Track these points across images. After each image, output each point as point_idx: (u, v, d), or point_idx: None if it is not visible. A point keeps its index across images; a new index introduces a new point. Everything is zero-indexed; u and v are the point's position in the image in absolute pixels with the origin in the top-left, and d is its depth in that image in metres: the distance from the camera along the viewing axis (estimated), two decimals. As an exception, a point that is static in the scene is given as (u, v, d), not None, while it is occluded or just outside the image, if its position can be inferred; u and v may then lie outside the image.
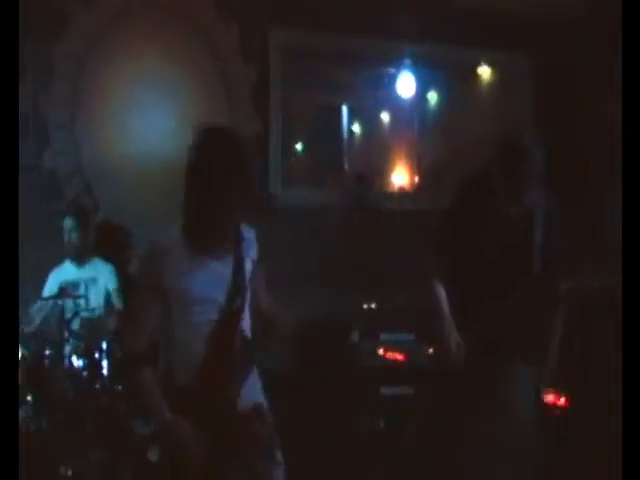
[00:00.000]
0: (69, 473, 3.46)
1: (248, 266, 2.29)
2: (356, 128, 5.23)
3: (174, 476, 2.21)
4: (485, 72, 5.22)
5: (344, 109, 5.06)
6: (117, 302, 4.20)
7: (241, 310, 2.25)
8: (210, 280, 2.21)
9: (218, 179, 2.13)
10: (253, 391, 2.29)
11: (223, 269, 2.23)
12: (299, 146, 5.08)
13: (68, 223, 4.15)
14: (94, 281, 4.20)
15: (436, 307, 2.96)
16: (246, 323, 2.29)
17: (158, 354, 2.27)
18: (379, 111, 5.16)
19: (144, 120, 4.55)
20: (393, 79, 5.00)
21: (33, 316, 4.09)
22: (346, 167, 5.18)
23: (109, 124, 4.55)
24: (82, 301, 4.06)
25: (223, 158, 2.13)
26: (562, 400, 3.42)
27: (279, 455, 2.29)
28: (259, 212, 4.46)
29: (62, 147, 4.50)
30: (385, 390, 4.17)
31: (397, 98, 5.03)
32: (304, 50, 4.69)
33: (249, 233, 2.33)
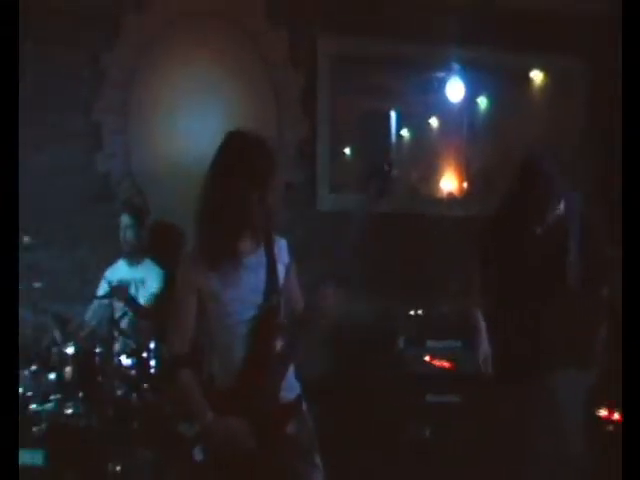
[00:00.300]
0: (117, 469, 3.55)
1: (281, 270, 2.33)
2: (404, 133, 5.23)
3: (219, 476, 2.26)
4: (535, 76, 5.16)
5: (392, 114, 5.06)
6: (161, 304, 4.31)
7: (277, 308, 2.29)
8: (243, 282, 2.26)
9: (238, 181, 2.21)
10: (293, 387, 2.34)
11: (256, 271, 2.29)
12: (347, 151, 5.11)
13: (124, 220, 4.30)
14: (143, 282, 4.34)
15: (471, 316, 3.00)
16: (282, 322, 2.32)
17: (200, 357, 2.33)
18: (428, 116, 5.15)
19: (193, 125, 4.65)
20: (442, 84, 5.00)
21: (91, 315, 4.25)
22: (394, 172, 5.17)
23: (159, 129, 4.67)
24: (132, 301, 4.19)
25: (245, 164, 2.22)
26: (616, 416, 3.37)
27: (318, 459, 2.31)
28: (305, 216, 4.60)
29: (114, 151, 4.64)
30: (431, 398, 4.14)
31: (446, 103, 5.01)
32: (352, 56, 4.72)
33: (280, 240, 2.38)
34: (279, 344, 2.28)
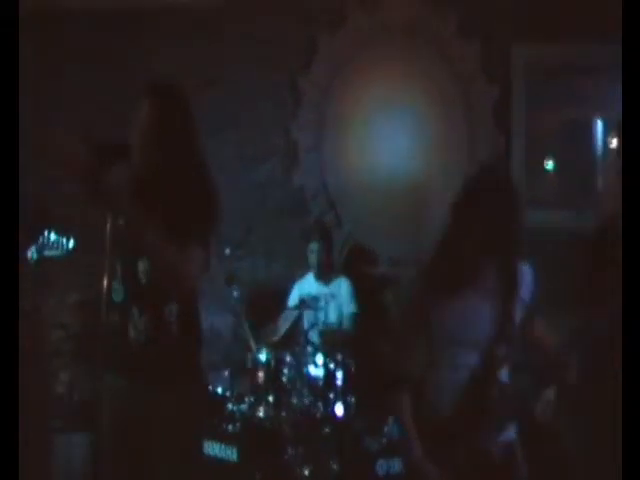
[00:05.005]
0: (305, 473, 3.92)
1: (519, 310, 2.25)
2: (612, 144, 5.12)
3: None
4: None
5: (597, 123, 4.99)
6: (347, 320, 4.66)
7: (504, 359, 2.25)
8: (470, 316, 2.24)
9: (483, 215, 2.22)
10: (506, 434, 2.30)
11: (487, 307, 2.24)
12: (545, 164, 5.11)
13: (313, 246, 4.70)
14: (333, 297, 4.68)
15: None
16: (505, 374, 2.29)
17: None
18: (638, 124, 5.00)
19: (385, 141, 4.99)
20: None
21: (279, 325, 4.73)
22: (599, 186, 5.10)
23: (352, 145, 5.08)
24: (321, 314, 4.58)
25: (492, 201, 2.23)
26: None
27: None
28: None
29: (310, 167, 5.13)
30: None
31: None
32: (548, 64, 4.73)
33: (526, 272, 2.30)
34: (502, 395, 2.24)
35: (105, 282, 2.42)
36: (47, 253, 3.41)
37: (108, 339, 2.44)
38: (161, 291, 2.37)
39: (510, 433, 2.32)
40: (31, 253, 3.35)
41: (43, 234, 3.39)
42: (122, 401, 2.41)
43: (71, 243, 3.50)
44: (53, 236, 3.40)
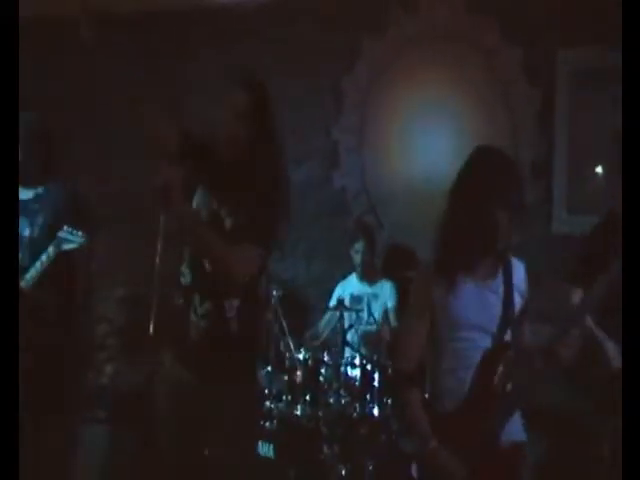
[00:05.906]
0: (342, 473, 4.03)
1: (517, 299, 2.36)
2: (657, 150, 5.08)
3: None
4: None
5: (644, 128, 4.96)
6: (393, 320, 4.74)
7: (509, 345, 2.33)
8: (478, 306, 2.32)
9: (484, 200, 2.27)
10: (513, 429, 2.35)
11: (494, 298, 2.34)
12: (589, 169, 5.10)
13: (359, 246, 4.79)
14: (375, 297, 4.77)
15: None
16: (514, 359, 2.34)
17: (424, 377, 2.48)
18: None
19: (426, 144, 5.06)
20: None
21: (322, 327, 4.83)
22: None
23: (393, 148, 5.17)
24: (363, 314, 4.66)
25: (496, 180, 2.29)
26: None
27: None
28: (539, 239, 4.70)
29: (350, 169, 5.25)
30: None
31: None
32: (594, 69, 4.72)
33: (519, 265, 2.42)
34: (509, 383, 2.31)
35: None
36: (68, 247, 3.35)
37: (170, 321, 2.54)
38: (223, 283, 2.43)
39: (519, 430, 2.37)
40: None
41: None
42: (177, 387, 2.49)
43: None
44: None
